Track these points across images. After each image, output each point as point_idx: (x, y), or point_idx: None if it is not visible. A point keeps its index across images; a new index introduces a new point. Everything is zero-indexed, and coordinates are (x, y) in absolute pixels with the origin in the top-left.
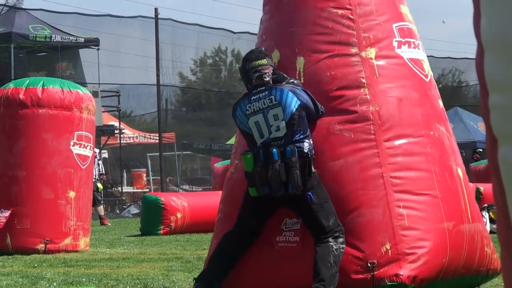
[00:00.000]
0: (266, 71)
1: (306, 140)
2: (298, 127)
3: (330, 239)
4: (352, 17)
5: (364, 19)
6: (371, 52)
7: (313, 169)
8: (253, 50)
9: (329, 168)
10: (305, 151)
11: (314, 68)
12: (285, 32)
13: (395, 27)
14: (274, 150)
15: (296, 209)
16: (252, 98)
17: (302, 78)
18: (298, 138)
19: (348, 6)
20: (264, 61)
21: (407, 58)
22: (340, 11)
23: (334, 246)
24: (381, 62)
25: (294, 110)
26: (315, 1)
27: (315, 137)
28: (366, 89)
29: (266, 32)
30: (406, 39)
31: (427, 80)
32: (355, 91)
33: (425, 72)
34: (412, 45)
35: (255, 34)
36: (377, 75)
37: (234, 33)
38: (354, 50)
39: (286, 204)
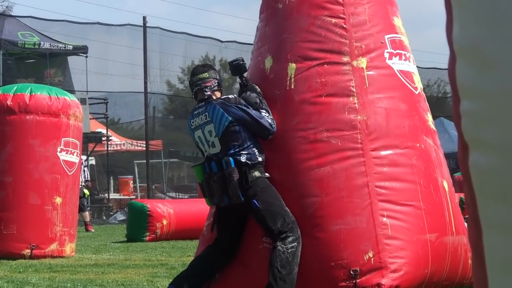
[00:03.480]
0: (207, 84)
1: (244, 152)
2: (232, 141)
3: (278, 243)
4: (345, 26)
5: (357, 29)
6: (362, 62)
7: (257, 175)
8: (198, 65)
9: (315, 174)
10: (242, 160)
11: (304, 75)
12: (279, 38)
13: (387, 38)
14: (213, 163)
15: (251, 215)
16: (194, 113)
17: (292, 84)
18: (233, 151)
19: (341, 15)
20: (205, 75)
21: (397, 70)
22: (333, 20)
23: (281, 249)
24: (372, 72)
25: (225, 126)
26: (309, 9)
27: (299, 143)
28: (355, 98)
29: (261, 39)
30: (397, 51)
31: (417, 92)
32: (344, 99)
33: (414, 84)
34: (403, 57)
35: (243, 43)
36: (367, 85)
37: (222, 42)
38: (345, 59)
39: (241, 211)
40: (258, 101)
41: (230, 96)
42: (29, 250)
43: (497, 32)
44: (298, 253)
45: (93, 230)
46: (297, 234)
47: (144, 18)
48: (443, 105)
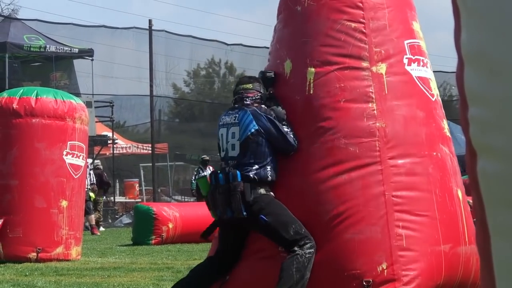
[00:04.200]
0: (249, 95)
1: (256, 166)
2: (251, 151)
3: (296, 248)
4: (365, 31)
5: (376, 34)
6: (382, 68)
7: (262, 192)
8: (245, 76)
9: (331, 182)
10: (250, 176)
11: (323, 79)
12: (298, 42)
13: (407, 43)
14: (220, 175)
15: (258, 230)
16: (228, 112)
17: (311, 89)
18: (248, 162)
19: (361, 20)
20: (249, 86)
21: (415, 76)
22: (353, 24)
23: (299, 253)
24: (391, 79)
25: (249, 133)
26: (329, 13)
27: (318, 148)
28: (374, 104)
29: (279, 41)
30: (416, 57)
31: (433, 99)
32: (363, 105)
33: (431, 91)
34: (421, 63)
35: (248, 46)
36: (386, 91)
37: (228, 45)
38: (365, 64)
39: (246, 226)
40: (285, 117)
41: (262, 106)
42: (35, 253)
43: (504, 39)
44: (312, 260)
45: (98, 234)
46: (313, 241)
47: (149, 21)
48: (449, 108)
